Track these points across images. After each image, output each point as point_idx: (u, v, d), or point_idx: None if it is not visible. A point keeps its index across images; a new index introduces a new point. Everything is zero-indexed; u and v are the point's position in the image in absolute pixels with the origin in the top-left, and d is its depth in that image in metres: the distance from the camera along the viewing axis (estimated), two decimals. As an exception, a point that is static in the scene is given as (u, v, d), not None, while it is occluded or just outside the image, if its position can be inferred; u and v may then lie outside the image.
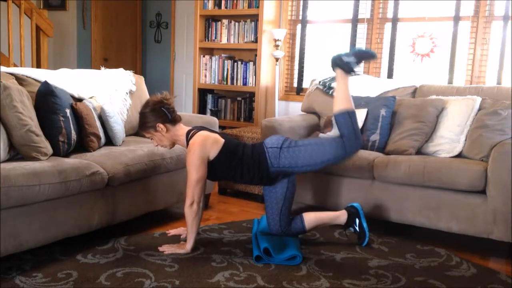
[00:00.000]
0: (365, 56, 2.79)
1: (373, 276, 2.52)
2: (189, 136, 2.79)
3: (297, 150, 2.73)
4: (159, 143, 2.86)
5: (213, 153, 2.74)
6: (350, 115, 2.72)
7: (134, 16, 6.55)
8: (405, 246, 2.99)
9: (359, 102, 3.67)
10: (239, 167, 2.77)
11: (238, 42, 5.04)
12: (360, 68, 2.77)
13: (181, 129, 2.85)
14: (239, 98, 5.14)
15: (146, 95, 3.94)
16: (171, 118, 2.79)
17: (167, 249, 2.74)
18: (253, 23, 4.92)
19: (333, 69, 2.83)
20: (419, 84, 3.84)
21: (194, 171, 2.68)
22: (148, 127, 2.81)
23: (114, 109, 3.39)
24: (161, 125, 2.78)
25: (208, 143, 2.73)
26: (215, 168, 2.76)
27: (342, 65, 2.77)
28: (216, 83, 5.21)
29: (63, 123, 2.85)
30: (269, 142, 2.81)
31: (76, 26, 6.13)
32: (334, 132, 3.67)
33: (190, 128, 2.86)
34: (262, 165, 2.75)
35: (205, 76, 5.27)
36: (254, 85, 4.94)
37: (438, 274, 2.58)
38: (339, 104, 2.75)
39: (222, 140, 2.78)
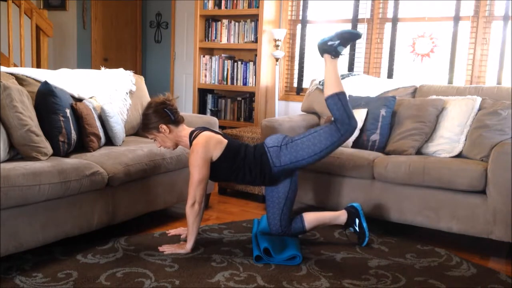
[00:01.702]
0: (349, 36, 2.77)
1: (373, 276, 2.52)
2: (192, 136, 2.79)
3: (294, 145, 2.74)
4: (162, 144, 2.86)
5: (216, 153, 2.74)
6: (340, 97, 2.72)
7: (134, 16, 6.55)
8: (405, 246, 2.99)
9: (359, 102, 3.68)
10: (242, 168, 2.77)
11: (238, 42, 5.04)
12: (346, 50, 2.76)
13: (184, 130, 2.85)
14: (239, 98, 5.14)
15: (146, 95, 3.94)
16: (174, 119, 2.79)
17: (167, 249, 2.74)
18: (253, 23, 4.92)
19: (321, 55, 2.83)
20: (419, 84, 3.84)
21: (197, 172, 2.68)
22: (151, 129, 2.81)
23: (114, 109, 3.39)
24: (164, 126, 2.78)
25: (211, 143, 2.73)
26: (218, 169, 2.76)
27: (329, 49, 2.78)
28: (216, 83, 5.22)
29: (63, 123, 2.85)
30: (269, 142, 2.81)
31: (76, 26, 6.13)
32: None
33: (193, 129, 2.86)
34: (265, 166, 2.75)
35: (205, 76, 5.27)
36: (254, 85, 4.94)
37: (438, 274, 2.58)
38: (329, 88, 2.75)
39: (225, 141, 2.78)
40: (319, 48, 2.83)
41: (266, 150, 2.77)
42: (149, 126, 2.80)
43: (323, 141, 2.72)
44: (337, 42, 2.76)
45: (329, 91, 2.75)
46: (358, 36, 2.80)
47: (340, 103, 2.71)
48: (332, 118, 2.74)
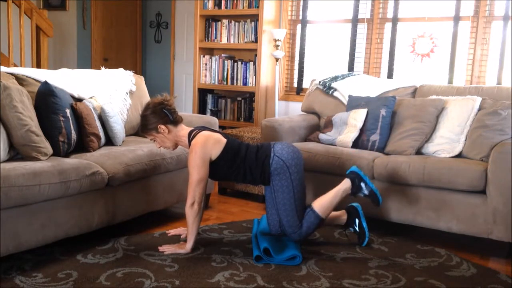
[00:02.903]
0: (374, 199, 2.89)
1: (373, 276, 2.52)
2: (191, 136, 2.79)
3: (289, 194, 2.74)
4: (161, 145, 2.86)
5: (215, 153, 2.74)
6: (318, 224, 2.80)
7: (134, 16, 6.55)
8: (405, 246, 2.99)
9: (359, 102, 3.68)
10: (242, 167, 2.77)
11: (238, 42, 5.04)
12: (364, 192, 2.91)
13: (183, 130, 2.84)
14: (239, 98, 5.14)
15: (146, 95, 3.94)
16: (173, 119, 2.79)
17: (167, 249, 2.74)
18: (253, 23, 4.92)
19: (347, 175, 2.90)
20: (419, 84, 3.84)
21: (196, 171, 2.68)
22: (150, 129, 2.80)
23: (114, 109, 3.39)
24: (162, 127, 2.78)
25: (210, 143, 2.73)
26: (217, 168, 2.76)
27: (355, 184, 2.86)
28: (216, 83, 5.21)
29: (63, 123, 2.85)
30: (279, 150, 2.77)
31: (76, 26, 6.13)
32: (334, 132, 3.67)
33: (192, 128, 2.86)
34: (266, 167, 2.75)
35: (205, 76, 5.27)
36: (254, 85, 4.93)
37: (438, 274, 2.58)
38: (323, 206, 2.81)
39: (224, 140, 2.78)
40: (352, 173, 2.89)
41: (272, 155, 2.76)
42: (148, 127, 2.80)
43: (285, 219, 2.76)
44: (366, 191, 2.87)
45: (321, 207, 2.81)
46: (378, 204, 2.92)
47: (315, 227, 2.80)
48: (301, 219, 2.78)
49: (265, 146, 2.83)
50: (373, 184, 2.92)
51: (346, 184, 2.89)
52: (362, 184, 2.88)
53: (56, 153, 2.81)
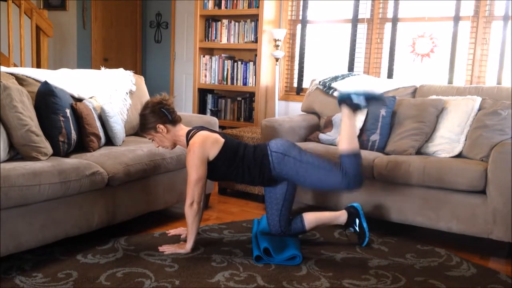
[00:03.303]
0: (375, 100, 2.79)
1: (373, 276, 2.52)
2: (189, 136, 2.79)
3: (299, 166, 2.72)
4: (160, 144, 2.86)
5: (213, 153, 2.74)
6: (356, 158, 2.74)
7: (134, 16, 6.55)
8: (405, 246, 2.99)
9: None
10: (240, 167, 2.77)
11: (238, 42, 5.04)
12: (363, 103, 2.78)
13: (182, 130, 2.85)
14: (239, 98, 5.14)
15: (146, 95, 3.94)
16: (171, 119, 2.79)
17: (167, 249, 2.74)
18: (253, 23, 4.92)
19: (339, 105, 2.82)
20: (419, 84, 3.84)
21: (194, 171, 2.68)
22: (148, 129, 2.81)
23: (114, 109, 3.39)
24: (161, 126, 2.78)
25: (208, 143, 2.73)
26: (216, 168, 2.76)
27: (351, 105, 2.77)
28: (216, 83, 5.21)
29: (63, 123, 2.85)
30: (274, 146, 2.79)
31: (76, 26, 6.13)
32: (334, 132, 3.67)
33: (190, 128, 2.86)
34: (264, 167, 2.75)
35: (205, 76, 5.27)
36: (254, 85, 4.93)
37: (438, 274, 2.58)
38: (346, 143, 2.75)
39: (222, 140, 2.78)
40: (341, 99, 2.79)
41: (269, 153, 2.76)
42: (147, 126, 2.80)
43: (328, 182, 2.73)
44: (362, 101, 2.75)
45: (345, 146, 2.75)
46: (383, 101, 2.81)
47: (356, 164, 2.73)
48: (341, 167, 2.72)
49: (261, 145, 2.85)
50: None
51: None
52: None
53: (56, 153, 2.81)
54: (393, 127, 3.49)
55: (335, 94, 2.77)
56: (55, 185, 2.47)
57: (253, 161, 2.76)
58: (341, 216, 2.97)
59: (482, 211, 2.88)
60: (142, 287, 2.30)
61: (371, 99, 2.76)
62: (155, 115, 2.77)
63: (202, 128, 2.86)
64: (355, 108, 2.77)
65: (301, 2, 4.89)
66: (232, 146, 2.79)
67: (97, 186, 2.72)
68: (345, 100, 2.77)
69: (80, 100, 3.25)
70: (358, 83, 3.97)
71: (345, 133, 2.78)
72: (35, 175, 2.40)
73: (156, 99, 2.81)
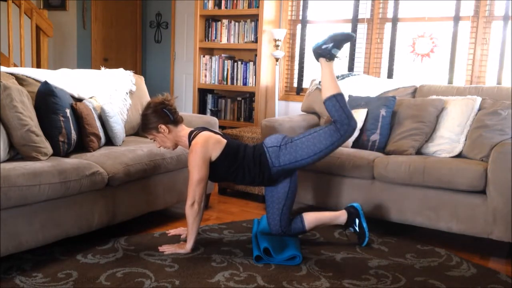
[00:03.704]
0: (342, 38, 2.79)
1: (373, 276, 2.52)
2: (191, 136, 2.79)
3: (294, 145, 2.74)
4: (161, 145, 2.86)
5: (215, 153, 2.74)
6: (337, 99, 2.73)
7: (134, 16, 6.55)
8: (405, 246, 2.99)
9: (359, 102, 3.68)
10: (241, 168, 2.77)
11: (238, 42, 5.04)
12: (342, 52, 2.83)
13: (183, 130, 2.85)
14: (239, 98, 5.14)
15: (146, 95, 3.94)
16: (173, 119, 2.79)
17: (167, 249, 2.74)
18: (253, 23, 4.92)
19: (317, 60, 2.85)
20: (419, 84, 3.84)
21: (196, 171, 2.68)
22: (150, 129, 2.81)
23: (114, 109, 3.39)
24: (163, 126, 2.78)
25: (210, 143, 2.73)
26: (217, 169, 2.77)
27: (323, 53, 2.80)
28: (216, 83, 5.21)
29: (63, 123, 2.85)
30: (269, 141, 2.81)
31: (76, 26, 6.13)
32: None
33: (192, 129, 2.86)
34: (264, 166, 2.75)
35: (205, 76, 5.27)
36: (254, 85, 4.94)
37: (438, 274, 2.58)
38: (326, 90, 2.76)
39: (224, 141, 2.79)
40: (314, 53, 2.85)
41: (265, 150, 2.77)
42: (149, 126, 2.80)
43: (323, 141, 2.72)
44: (331, 45, 2.79)
45: (326, 93, 2.76)
46: (350, 37, 2.81)
47: (338, 105, 2.72)
48: (332, 120, 2.74)
49: (259, 145, 2.87)
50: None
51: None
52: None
53: (56, 153, 2.81)
54: (393, 127, 3.49)
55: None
56: (55, 185, 2.47)
57: (253, 161, 2.77)
58: (341, 216, 2.97)
59: (482, 211, 2.88)
60: (142, 287, 2.30)
61: (338, 40, 2.78)
62: (157, 115, 2.77)
63: (204, 128, 2.87)
64: (327, 55, 2.79)
65: (301, 2, 4.89)
66: (233, 147, 2.80)
67: (97, 186, 2.72)
68: (317, 51, 2.81)
69: (80, 100, 3.25)
70: (359, 83, 3.98)
71: (324, 81, 2.80)
72: (35, 175, 2.40)
73: (158, 99, 2.81)
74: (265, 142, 2.82)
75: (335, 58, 2.82)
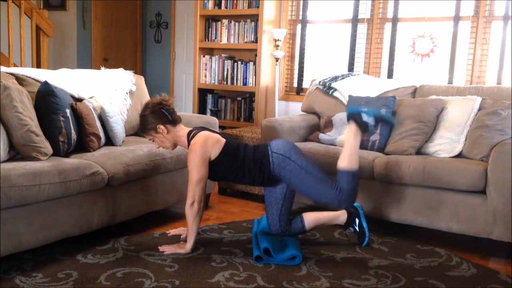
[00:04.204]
0: (384, 121, 2.85)
1: (373, 276, 2.52)
2: (190, 136, 2.79)
3: (301, 173, 2.72)
4: (160, 145, 2.86)
5: (214, 153, 2.74)
6: (353, 177, 2.76)
7: (134, 16, 6.55)
8: (405, 246, 2.99)
9: (359, 102, 3.67)
10: (241, 167, 2.77)
11: (238, 42, 5.04)
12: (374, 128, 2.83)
13: (182, 130, 2.85)
14: (239, 98, 5.14)
15: (146, 95, 3.94)
16: (172, 119, 2.79)
17: (167, 249, 2.74)
18: (253, 23, 4.92)
19: (348, 121, 2.86)
20: (419, 84, 3.84)
21: (195, 171, 2.68)
22: (149, 129, 2.81)
23: (114, 109, 3.39)
24: (161, 127, 2.78)
25: (209, 143, 2.73)
26: (216, 168, 2.77)
27: (360, 122, 2.81)
28: (216, 83, 5.21)
29: (63, 123, 2.85)
30: (275, 146, 2.79)
31: (76, 26, 6.13)
32: (334, 132, 3.67)
33: (191, 128, 2.86)
34: (264, 167, 2.75)
35: (205, 76, 5.27)
36: (254, 85, 4.93)
37: (438, 274, 2.58)
38: (346, 160, 2.78)
39: (223, 140, 2.79)
40: (350, 115, 2.83)
41: (269, 153, 2.76)
42: (147, 127, 2.80)
43: (320, 193, 2.75)
44: (371, 120, 2.80)
45: (345, 163, 2.78)
46: (392, 124, 2.87)
47: (353, 183, 2.76)
48: (337, 184, 2.74)
49: (262, 146, 2.84)
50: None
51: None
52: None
53: (56, 153, 2.81)
54: (393, 127, 3.48)
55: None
56: (55, 185, 2.47)
57: (253, 161, 2.76)
58: (341, 216, 2.97)
59: (482, 211, 2.88)
60: (142, 287, 2.30)
61: (380, 120, 2.82)
62: (155, 115, 2.77)
63: (203, 128, 2.87)
64: (363, 127, 2.82)
65: (301, 2, 4.89)
66: (232, 146, 2.80)
67: (97, 186, 2.72)
68: (355, 116, 2.82)
69: (80, 100, 3.25)
70: (359, 83, 3.98)
71: (347, 150, 2.82)
72: (35, 175, 2.40)
73: (156, 100, 2.81)
74: (271, 146, 2.80)
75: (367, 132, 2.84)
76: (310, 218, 2.90)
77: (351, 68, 4.64)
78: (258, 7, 4.80)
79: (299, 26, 4.96)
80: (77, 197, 2.65)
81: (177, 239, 2.93)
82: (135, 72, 4.04)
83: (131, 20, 6.54)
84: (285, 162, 2.73)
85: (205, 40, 5.23)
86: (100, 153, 2.99)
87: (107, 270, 2.46)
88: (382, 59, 4.55)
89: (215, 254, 2.72)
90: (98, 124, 3.15)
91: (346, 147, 2.86)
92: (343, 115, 3.67)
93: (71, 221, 2.63)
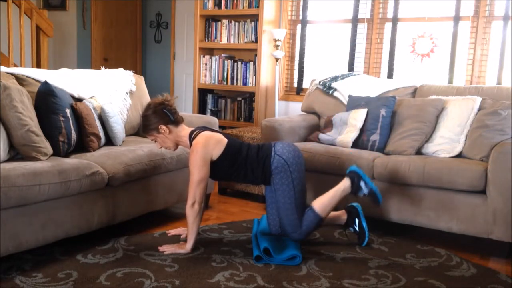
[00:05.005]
0: (374, 198, 2.87)
1: (373, 276, 2.52)
2: (192, 136, 2.79)
3: (286, 192, 2.74)
4: (162, 145, 2.86)
5: (216, 153, 2.74)
6: (319, 223, 2.80)
7: (134, 16, 6.55)
8: (405, 246, 2.99)
9: (359, 102, 3.68)
10: (243, 167, 2.77)
11: (238, 42, 5.04)
12: (363, 192, 2.89)
13: (184, 130, 2.85)
14: (239, 98, 5.13)
15: (146, 95, 3.94)
16: (174, 119, 2.79)
17: (167, 249, 2.74)
18: (253, 23, 4.92)
19: (347, 174, 2.89)
20: (419, 84, 3.84)
21: (197, 171, 2.68)
22: (151, 130, 2.81)
23: (114, 109, 3.39)
24: (163, 127, 2.78)
25: (211, 143, 2.73)
26: (218, 168, 2.76)
27: (355, 183, 2.84)
28: (216, 83, 5.21)
29: (63, 123, 2.85)
30: (280, 149, 2.78)
31: (76, 26, 6.13)
32: (334, 132, 3.67)
33: (193, 128, 2.86)
34: (266, 167, 2.75)
35: (205, 76, 5.27)
36: (254, 85, 4.93)
37: (438, 274, 2.58)
38: (322, 206, 2.81)
39: (226, 140, 2.78)
40: (351, 172, 2.88)
41: (272, 154, 2.76)
42: (149, 127, 2.80)
43: (288, 217, 2.76)
44: (366, 190, 2.84)
45: (320, 206, 2.80)
46: (378, 204, 2.90)
47: (314, 226, 2.79)
48: (303, 218, 2.78)
49: (266, 145, 2.83)
50: (373, 183, 2.91)
51: (345, 183, 2.88)
52: (362, 183, 2.87)
53: (56, 153, 2.81)
54: (393, 127, 3.49)
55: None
56: (55, 185, 2.47)
57: (257, 161, 2.76)
58: (341, 216, 2.97)
59: (482, 211, 2.88)
60: (142, 287, 2.30)
61: (372, 195, 2.85)
62: (157, 116, 2.77)
63: (204, 128, 2.86)
64: (355, 189, 2.85)
65: (301, 2, 4.89)
66: (235, 146, 2.79)
67: (97, 186, 2.72)
68: (355, 176, 2.85)
69: (80, 100, 3.25)
70: (359, 83, 3.98)
71: (328, 198, 2.84)
72: (35, 175, 2.40)
73: (158, 100, 2.81)
74: (276, 147, 2.79)
75: (355, 193, 2.88)
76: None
77: (351, 68, 4.64)
78: (258, 7, 4.80)
79: (299, 26, 4.96)
80: (77, 197, 2.65)
81: (177, 239, 2.93)
82: (135, 72, 4.04)
83: (131, 20, 6.54)
84: (283, 170, 2.73)
85: (205, 40, 5.23)
86: (100, 153, 2.99)
87: (107, 270, 2.46)
88: (382, 59, 4.55)
89: (215, 254, 2.72)
90: (98, 124, 3.15)
91: (329, 194, 2.87)
92: (343, 115, 3.67)
93: (71, 221, 2.63)
